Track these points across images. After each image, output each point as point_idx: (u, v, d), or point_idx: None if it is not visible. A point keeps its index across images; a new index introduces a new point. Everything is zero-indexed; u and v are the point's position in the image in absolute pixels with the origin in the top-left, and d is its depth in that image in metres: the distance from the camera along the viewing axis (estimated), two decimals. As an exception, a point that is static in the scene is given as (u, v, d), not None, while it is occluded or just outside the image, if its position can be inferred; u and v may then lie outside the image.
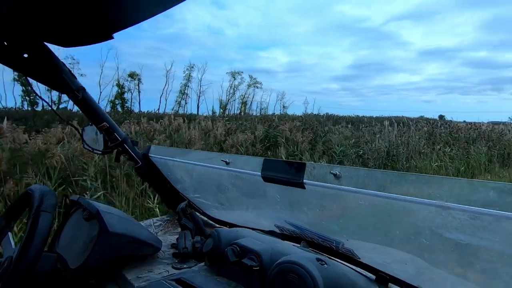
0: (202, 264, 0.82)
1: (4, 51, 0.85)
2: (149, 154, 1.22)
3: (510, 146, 9.08)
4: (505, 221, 0.44)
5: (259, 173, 0.79)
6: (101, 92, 17.53)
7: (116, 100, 17.84)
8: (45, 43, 0.91)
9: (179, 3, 0.66)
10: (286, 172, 0.72)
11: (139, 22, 0.79)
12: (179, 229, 1.20)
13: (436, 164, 6.35)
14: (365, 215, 0.68)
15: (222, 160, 0.89)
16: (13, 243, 0.83)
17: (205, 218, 1.30)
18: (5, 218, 0.71)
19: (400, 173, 0.57)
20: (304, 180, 0.68)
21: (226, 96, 21.40)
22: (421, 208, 0.52)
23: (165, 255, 0.95)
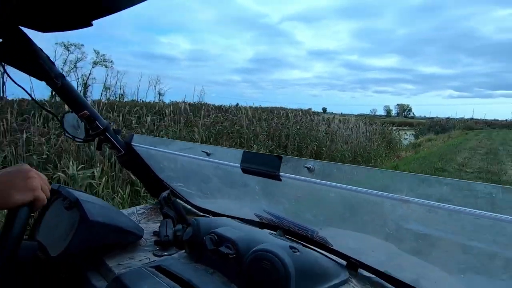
0: (183, 251, 0.85)
1: None
2: (132, 143, 1.22)
3: (305, 139, 7.44)
4: (456, 214, 0.49)
5: (239, 165, 0.81)
6: None
7: None
8: (21, 27, 0.88)
9: None
10: (263, 164, 0.75)
11: (120, 10, 0.78)
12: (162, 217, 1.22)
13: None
14: (336, 206, 0.72)
15: (203, 151, 0.90)
16: None
17: (189, 207, 1.32)
18: None
19: (367, 168, 0.61)
20: (280, 173, 0.71)
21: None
22: (384, 201, 0.56)
23: (147, 242, 0.97)
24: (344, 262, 0.80)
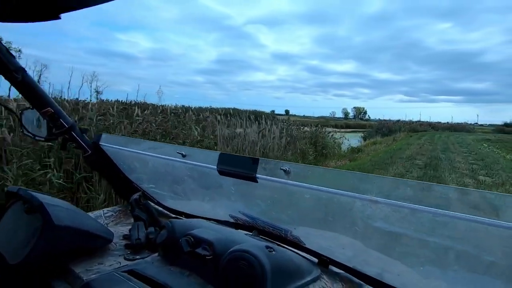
0: (156, 254, 0.83)
1: None
2: (100, 143, 1.17)
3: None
4: (419, 213, 0.54)
5: (215, 167, 0.82)
6: None
7: None
8: None
9: None
10: (240, 167, 0.76)
11: (92, 5, 0.74)
12: (132, 220, 1.18)
13: None
14: (310, 207, 0.75)
15: (178, 153, 0.89)
16: None
17: (161, 209, 1.29)
18: None
19: (339, 170, 0.65)
20: (257, 175, 0.73)
21: None
22: (355, 201, 0.60)
23: (117, 246, 0.94)
24: (315, 260, 0.84)
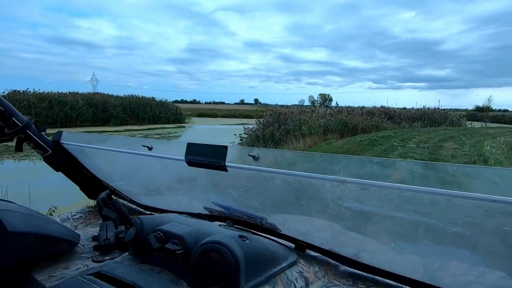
0: (126, 254, 0.79)
1: None
2: (61, 141, 1.09)
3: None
4: (386, 190, 0.54)
5: (183, 158, 0.78)
6: None
7: None
8: None
9: None
10: (209, 156, 0.73)
11: None
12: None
13: None
14: (282, 192, 0.74)
15: (143, 146, 0.85)
16: None
17: (134, 206, 1.24)
18: None
19: (306, 152, 0.63)
20: (226, 163, 0.70)
21: None
22: (324, 183, 0.59)
23: (85, 249, 0.89)
24: (292, 245, 0.83)
